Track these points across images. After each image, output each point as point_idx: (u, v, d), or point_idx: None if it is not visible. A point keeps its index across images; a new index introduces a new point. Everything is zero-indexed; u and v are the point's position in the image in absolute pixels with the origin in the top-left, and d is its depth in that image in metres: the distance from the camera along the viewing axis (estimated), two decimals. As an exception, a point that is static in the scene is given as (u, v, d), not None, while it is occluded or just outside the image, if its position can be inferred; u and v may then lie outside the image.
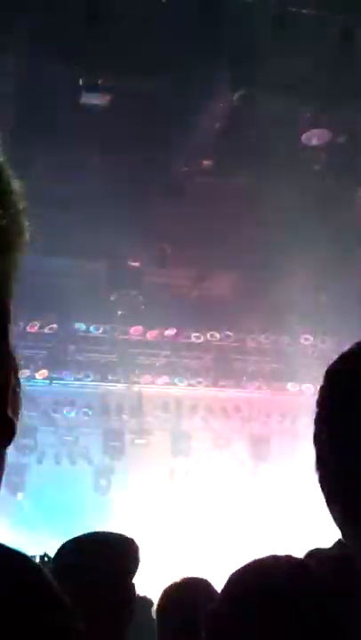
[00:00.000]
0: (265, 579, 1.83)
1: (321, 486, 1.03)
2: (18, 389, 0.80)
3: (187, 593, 2.80)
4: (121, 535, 2.54)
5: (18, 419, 0.80)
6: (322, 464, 1.03)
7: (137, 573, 2.49)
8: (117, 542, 2.51)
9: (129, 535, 2.55)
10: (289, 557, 1.90)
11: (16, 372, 0.80)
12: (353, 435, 0.98)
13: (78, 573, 2.34)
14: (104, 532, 2.62)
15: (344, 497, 0.99)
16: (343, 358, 1.08)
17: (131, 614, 2.42)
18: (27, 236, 0.80)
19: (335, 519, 1.01)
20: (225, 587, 1.86)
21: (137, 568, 2.46)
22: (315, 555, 1.38)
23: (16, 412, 0.79)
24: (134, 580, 2.49)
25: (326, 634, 1.79)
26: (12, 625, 0.77)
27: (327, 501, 1.02)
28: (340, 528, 1.01)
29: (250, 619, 1.78)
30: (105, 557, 2.41)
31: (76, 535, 2.51)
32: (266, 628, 1.76)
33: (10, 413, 0.78)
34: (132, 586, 2.46)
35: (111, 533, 2.58)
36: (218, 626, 1.82)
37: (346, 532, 1.00)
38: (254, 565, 1.87)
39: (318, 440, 1.05)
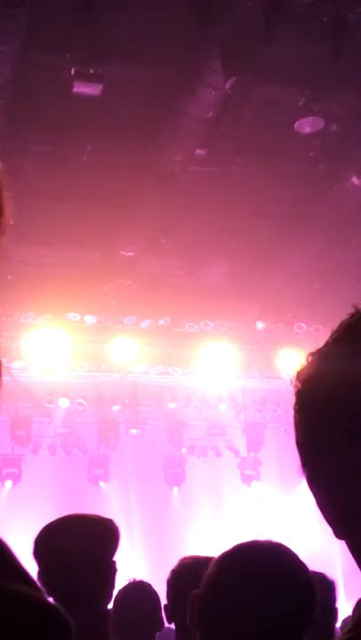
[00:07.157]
0: (246, 563, 1.86)
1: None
2: None
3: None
4: (97, 516, 2.54)
5: None
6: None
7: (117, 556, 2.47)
8: (92, 522, 2.51)
9: (120, 524, 2.54)
10: (269, 542, 1.93)
11: None
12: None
13: (55, 558, 2.34)
14: (76, 514, 2.60)
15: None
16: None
17: (111, 593, 2.41)
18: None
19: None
20: (209, 572, 1.89)
21: (117, 547, 2.45)
22: None
23: None
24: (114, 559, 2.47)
25: (305, 611, 1.82)
26: None
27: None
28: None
29: (233, 603, 1.80)
30: (82, 537, 2.41)
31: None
32: (248, 610, 1.78)
33: None
34: (114, 564, 2.45)
35: (86, 514, 2.57)
36: (203, 609, 1.84)
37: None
38: (236, 551, 1.90)
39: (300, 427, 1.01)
